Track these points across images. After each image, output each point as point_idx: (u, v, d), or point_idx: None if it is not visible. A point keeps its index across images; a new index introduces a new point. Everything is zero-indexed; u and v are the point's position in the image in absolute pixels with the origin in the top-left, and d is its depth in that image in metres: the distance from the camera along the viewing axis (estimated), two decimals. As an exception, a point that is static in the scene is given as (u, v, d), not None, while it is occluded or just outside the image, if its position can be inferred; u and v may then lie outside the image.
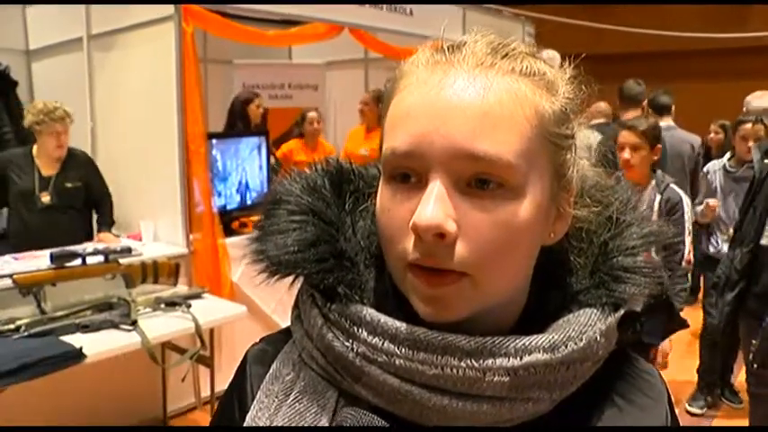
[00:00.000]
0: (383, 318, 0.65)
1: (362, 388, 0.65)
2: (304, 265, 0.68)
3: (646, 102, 6.38)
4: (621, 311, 0.70)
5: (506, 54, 0.64)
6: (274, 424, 0.67)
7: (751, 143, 4.04)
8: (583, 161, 0.72)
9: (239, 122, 5.57)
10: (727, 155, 4.58)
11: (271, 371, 0.72)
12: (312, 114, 5.78)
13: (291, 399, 0.68)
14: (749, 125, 4.23)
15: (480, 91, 0.60)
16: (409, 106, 0.62)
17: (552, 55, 5.82)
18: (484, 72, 0.62)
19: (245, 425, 0.70)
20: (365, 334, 0.65)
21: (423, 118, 0.61)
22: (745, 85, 2.76)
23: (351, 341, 0.65)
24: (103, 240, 4.05)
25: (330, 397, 0.68)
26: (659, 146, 3.21)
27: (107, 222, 4.28)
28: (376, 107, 5.63)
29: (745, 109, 5.01)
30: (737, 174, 4.37)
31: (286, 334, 0.76)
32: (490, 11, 6.54)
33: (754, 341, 2.86)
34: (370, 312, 0.66)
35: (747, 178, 4.00)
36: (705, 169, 4.64)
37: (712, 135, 6.69)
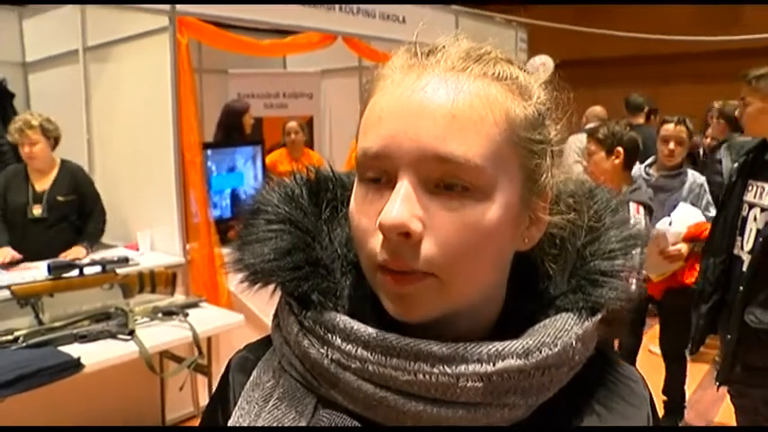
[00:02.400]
0: (356, 324, 0.65)
1: (339, 394, 0.66)
2: (279, 273, 0.69)
3: (647, 109, 6.47)
4: (599, 316, 0.70)
5: (479, 58, 0.64)
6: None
7: (672, 145, 3.72)
8: (561, 167, 0.72)
9: (235, 133, 5.58)
10: (650, 158, 3.98)
11: (251, 378, 0.73)
12: (291, 125, 5.79)
13: (270, 405, 0.69)
14: (672, 125, 3.80)
15: (450, 94, 0.61)
16: (382, 108, 0.63)
17: (544, 60, 5.88)
18: (455, 75, 0.62)
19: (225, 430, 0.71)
20: (339, 341, 0.65)
21: (393, 120, 0.62)
22: (738, 86, 2.73)
23: (325, 348, 0.66)
24: (72, 253, 3.96)
25: (308, 403, 0.68)
26: (618, 149, 3.14)
27: (89, 235, 4.21)
28: None
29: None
30: (652, 182, 3.78)
31: (267, 342, 0.77)
32: (483, 17, 6.58)
33: (716, 359, 2.76)
34: (343, 319, 0.66)
35: (664, 188, 3.78)
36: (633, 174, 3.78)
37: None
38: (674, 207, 3.65)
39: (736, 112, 2.82)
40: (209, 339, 3.47)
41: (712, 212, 3.73)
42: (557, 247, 0.74)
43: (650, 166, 3.93)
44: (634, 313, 3.96)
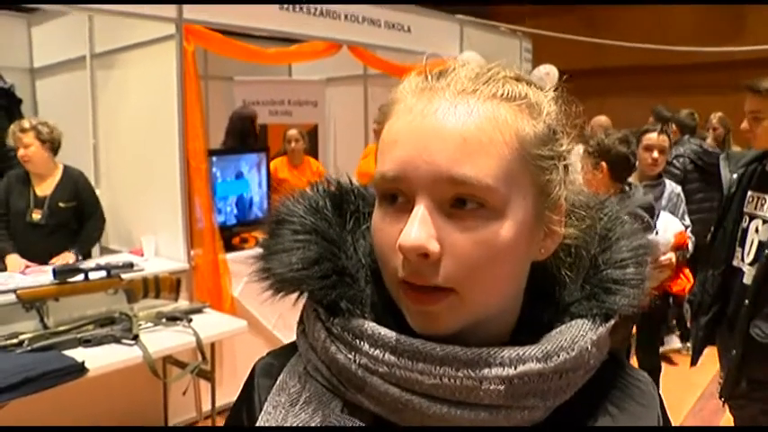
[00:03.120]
0: (383, 330, 0.68)
1: (365, 398, 0.68)
2: (308, 281, 0.72)
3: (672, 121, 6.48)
4: (612, 322, 0.73)
5: (488, 79, 0.67)
6: None
7: (656, 154, 3.74)
8: (575, 177, 0.74)
9: (249, 139, 5.62)
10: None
11: (277, 383, 0.75)
12: (291, 133, 5.81)
13: (297, 408, 0.72)
14: (655, 134, 3.80)
15: (461, 118, 0.64)
16: (397, 132, 0.66)
17: (549, 69, 5.90)
18: (465, 99, 0.65)
19: None
20: (366, 346, 0.68)
21: (408, 144, 0.64)
22: (744, 97, 2.69)
23: (353, 353, 0.69)
24: (59, 259, 3.97)
25: (335, 407, 0.71)
26: (602, 164, 3.10)
27: (81, 241, 4.20)
28: None
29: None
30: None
31: (291, 348, 0.79)
32: (487, 27, 6.59)
33: (721, 373, 2.72)
34: (370, 326, 0.69)
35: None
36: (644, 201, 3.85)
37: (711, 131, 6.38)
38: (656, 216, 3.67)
39: (743, 125, 2.71)
40: (212, 345, 3.48)
41: (687, 221, 3.85)
42: (572, 255, 0.77)
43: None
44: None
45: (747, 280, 2.60)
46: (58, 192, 4.12)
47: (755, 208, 2.65)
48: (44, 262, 3.60)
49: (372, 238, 0.69)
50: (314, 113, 7.09)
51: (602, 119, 6.65)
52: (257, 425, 0.73)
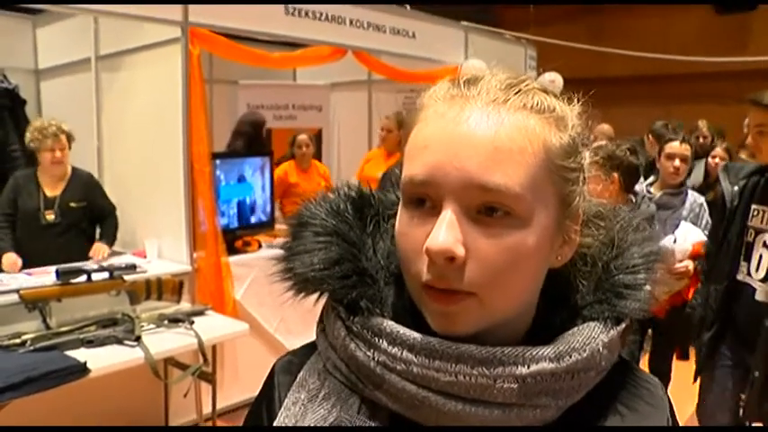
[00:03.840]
0: (402, 329, 0.70)
1: (383, 394, 0.70)
2: (329, 281, 0.74)
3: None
4: (623, 325, 0.75)
5: (519, 90, 0.69)
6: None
7: (677, 162, 3.69)
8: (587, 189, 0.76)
9: (256, 144, 5.66)
10: (651, 178, 4.00)
11: (297, 380, 0.77)
12: (301, 138, 5.82)
13: (316, 405, 0.73)
14: (677, 143, 3.77)
15: (493, 126, 0.65)
16: (427, 138, 0.67)
17: (554, 77, 5.90)
18: (497, 108, 0.67)
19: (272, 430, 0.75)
20: (385, 344, 0.70)
21: (439, 150, 0.66)
22: (747, 108, 2.67)
23: (372, 351, 0.70)
24: (95, 250, 4.10)
25: (353, 403, 0.72)
26: (614, 175, 3.03)
27: (108, 237, 4.30)
28: (399, 132, 5.65)
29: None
30: (655, 200, 3.73)
31: (311, 347, 0.81)
32: (492, 34, 6.60)
33: (742, 394, 2.62)
34: (389, 324, 0.71)
35: (667, 206, 3.75)
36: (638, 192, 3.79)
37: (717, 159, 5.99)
38: (676, 225, 3.64)
39: (748, 140, 2.67)
40: (214, 347, 3.48)
41: None
42: (587, 264, 0.79)
43: (651, 184, 3.93)
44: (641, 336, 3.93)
45: (761, 297, 2.55)
46: (68, 192, 4.14)
47: (762, 222, 2.61)
48: (57, 262, 3.61)
49: (396, 240, 0.71)
50: (318, 118, 7.10)
51: (605, 127, 6.65)
52: (277, 420, 0.74)
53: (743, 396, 2.61)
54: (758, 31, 9.20)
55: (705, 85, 9.03)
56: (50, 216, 4.08)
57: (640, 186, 3.77)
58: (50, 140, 4.00)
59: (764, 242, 2.57)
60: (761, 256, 2.58)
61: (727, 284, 2.69)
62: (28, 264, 3.89)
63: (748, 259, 2.62)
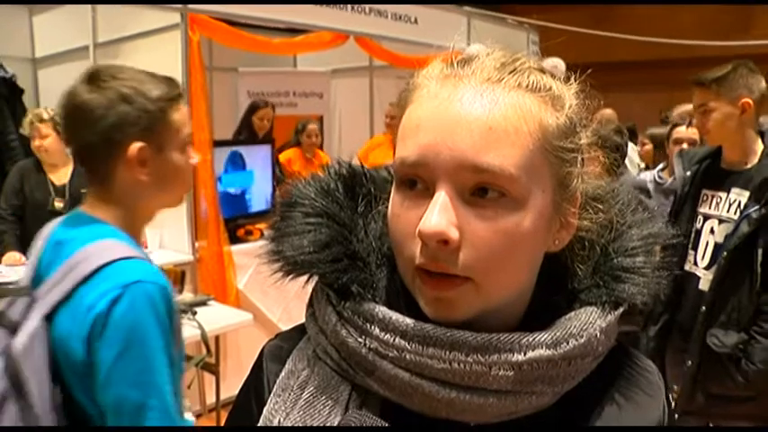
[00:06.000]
0: (394, 315, 0.68)
1: (375, 382, 0.68)
2: (319, 265, 0.71)
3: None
4: (621, 309, 0.73)
5: (514, 69, 0.67)
6: (290, 416, 0.70)
7: (685, 146, 3.54)
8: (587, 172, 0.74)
9: (244, 131, 5.56)
10: (661, 165, 4.00)
11: (286, 366, 0.75)
12: (312, 127, 5.77)
13: (306, 393, 0.71)
14: (684, 127, 3.70)
15: (487, 106, 0.63)
16: (419, 118, 0.65)
17: (556, 63, 5.85)
18: (491, 87, 0.65)
19: (261, 418, 0.72)
20: (377, 330, 0.68)
21: (431, 130, 0.64)
22: (692, 90, 2.59)
23: (364, 337, 0.68)
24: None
25: (343, 391, 0.70)
26: (598, 153, 2.98)
27: None
28: None
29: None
30: (666, 185, 3.74)
31: (300, 331, 0.79)
32: (495, 19, 6.56)
33: (675, 386, 2.50)
34: (381, 310, 0.69)
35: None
36: (637, 181, 3.89)
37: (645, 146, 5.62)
38: None
39: (694, 122, 2.58)
40: (216, 338, 3.45)
41: None
42: (585, 248, 0.76)
43: (663, 170, 3.91)
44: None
45: (703, 286, 2.43)
46: (75, 179, 4.10)
47: (710, 207, 2.51)
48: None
49: (388, 222, 0.69)
50: (319, 105, 7.07)
51: (608, 112, 6.62)
52: (266, 408, 0.72)
53: (676, 388, 2.50)
54: (760, 15, 9.15)
55: (707, 71, 8.98)
56: (59, 204, 4.03)
57: (651, 174, 3.83)
58: (29, 129, 3.98)
59: (711, 228, 2.48)
60: (707, 243, 2.48)
61: (675, 275, 2.53)
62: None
63: (695, 248, 2.52)
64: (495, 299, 0.66)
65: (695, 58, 8.93)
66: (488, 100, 0.64)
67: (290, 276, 0.73)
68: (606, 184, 0.78)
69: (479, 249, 0.63)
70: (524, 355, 0.65)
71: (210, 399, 3.68)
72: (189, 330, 3.26)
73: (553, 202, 0.67)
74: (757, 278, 2.29)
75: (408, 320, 0.67)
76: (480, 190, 0.63)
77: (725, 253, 2.33)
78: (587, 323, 0.69)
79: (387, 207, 0.70)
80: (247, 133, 5.54)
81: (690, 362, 2.43)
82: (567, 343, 0.67)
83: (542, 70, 0.69)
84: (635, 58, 9.22)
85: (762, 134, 2.47)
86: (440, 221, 0.61)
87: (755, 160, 2.44)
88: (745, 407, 2.41)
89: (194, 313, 3.37)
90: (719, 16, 9.30)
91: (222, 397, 3.55)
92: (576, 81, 0.72)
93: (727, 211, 2.44)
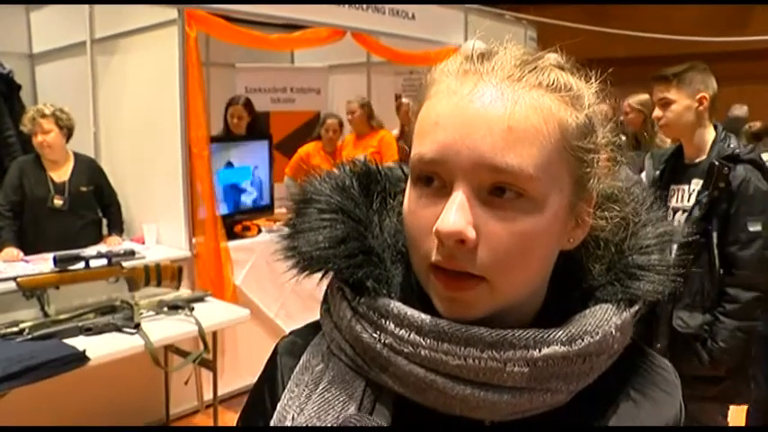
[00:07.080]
0: (409, 311, 0.67)
1: (389, 378, 0.68)
2: (335, 260, 0.71)
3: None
4: (636, 307, 0.73)
5: (534, 67, 0.66)
6: (304, 412, 0.70)
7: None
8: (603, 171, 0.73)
9: (225, 129, 5.35)
10: None
11: (301, 362, 0.75)
12: (331, 122, 5.64)
13: (321, 388, 0.71)
14: None
15: (507, 105, 0.63)
16: (438, 114, 0.65)
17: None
18: (511, 86, 0.64)
19: (276, 413, 0.72)
20: (392, 326, 0.67)
21: (450, 128, 0.63)
22: (749, 88, 2.62)
23: (378, 333, 0.68)
24: (110, 243, 4.09)
25: (358, 386, 0.70)
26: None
27: (117, 227, 4.31)
28: (365, 115, 5.61)
29: None
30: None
31: (314, 327, 0.78)
32: (492, 15, 6.54)
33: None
34: (396, 305, 0.68)
35: None
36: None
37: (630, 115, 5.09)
38: None
39: (654, 113, 2.70)
40: (214, 334, 3.45)
41: None
42: (600, 247, 0.76)
43: None
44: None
45: None
46: (75, 176, 4.12)
47: (677, 200, 2.63)
48: (68, 247, 3.59)
49: (405, 219, 0.69)
50: (317, 101, 7.06)
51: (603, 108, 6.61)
52: (280, 404, 0.72)
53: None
54: (759, 11, 9.15)
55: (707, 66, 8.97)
56: (59, 201, 4.05)
57: None
58: (30, 125, 3.97)
59: (679, 221, 2.57)
60: None
61: None
62: (37, 249, 3.86)
63: None
64: (509, 298, 0.66)
65: (693, 55, 8.92)
66: (509, 99, 0.63)
67: (306, 273, 0.73)
68: (621, 182, 0.78)
69: (496, 250, 0.63)
70: (539, 351, 0.65)
71: (208, 395, 3.69)
72: (186, 326, 3.27)
73: (570, 203, 0.67)
74: (715, 260, 2.40)
75: (423, 316, 0.67)
76: (498, 189, 0.63)
77: (681, 239, 2.38)
78: (602, 320, 0.69)
79: (401, 204, 0.70)
80: (226, 131, 5.33)
81: (659, 344, 2.52)
82: (582, 340, 0.67)
83: (563, 68, 0.69)
84: (633, 54, 9.21)
85: (715, 127, 2.62)
86: (457, 221, 0.61)
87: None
88: (715, 388, 2.52)
89: (191, 309, 3.37)
90: (717, 12, 9.30)
91: (220, 393, 3.56)
92: (596, 79, 0.71)
93: (688, 201, 2.57)
